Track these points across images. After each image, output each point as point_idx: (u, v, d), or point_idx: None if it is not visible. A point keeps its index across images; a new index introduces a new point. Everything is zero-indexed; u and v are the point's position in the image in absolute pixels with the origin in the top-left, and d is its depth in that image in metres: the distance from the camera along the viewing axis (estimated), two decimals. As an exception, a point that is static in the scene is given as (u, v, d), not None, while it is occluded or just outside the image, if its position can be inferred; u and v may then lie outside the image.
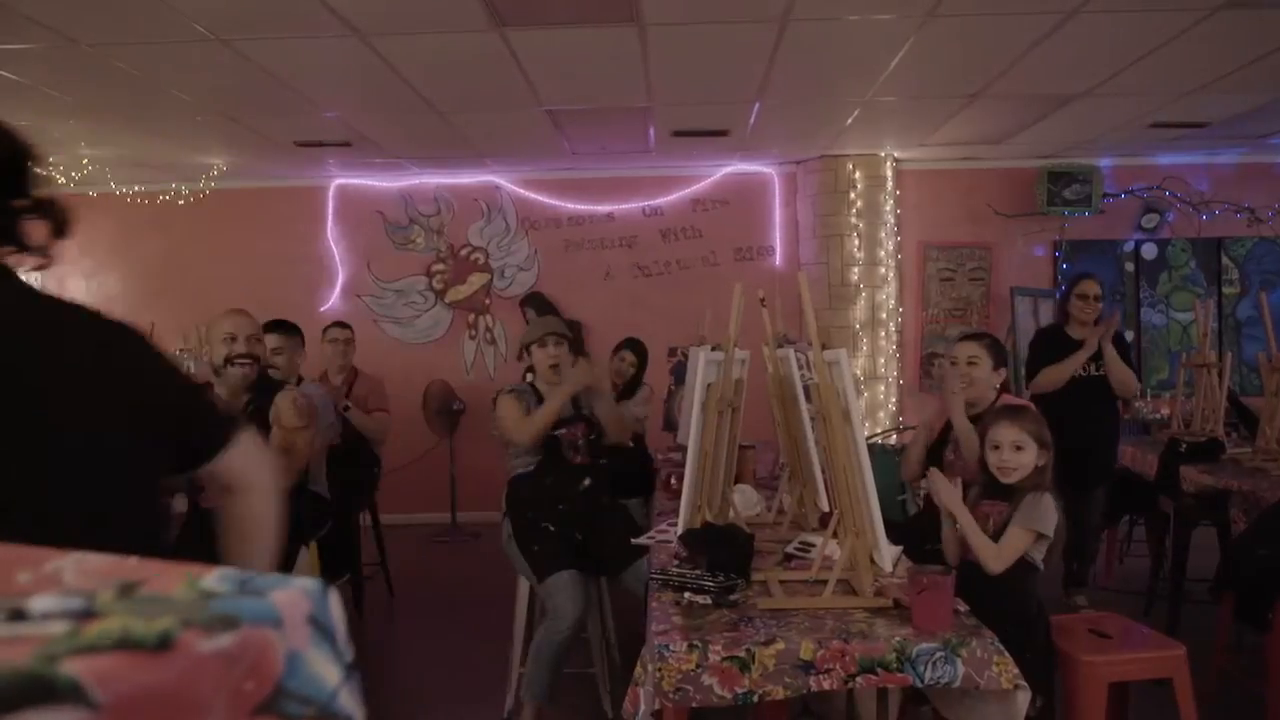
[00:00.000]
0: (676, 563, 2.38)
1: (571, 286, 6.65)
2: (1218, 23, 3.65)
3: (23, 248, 1.14)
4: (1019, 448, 2.36)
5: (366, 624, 4.44)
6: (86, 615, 0.41)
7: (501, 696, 3.35)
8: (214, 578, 0.46)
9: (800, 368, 2.82)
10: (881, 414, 6.39)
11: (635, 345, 4.56)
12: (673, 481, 3.52)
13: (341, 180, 6.71)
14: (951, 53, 4.10)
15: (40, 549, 0.51)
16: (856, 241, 6.30)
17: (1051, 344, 4.15)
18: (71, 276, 6.84)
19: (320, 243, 6.75)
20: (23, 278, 1.17)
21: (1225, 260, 6.60)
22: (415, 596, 4.90)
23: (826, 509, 2.73)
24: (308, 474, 3.16)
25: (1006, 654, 1.88)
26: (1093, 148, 6.21)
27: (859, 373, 6.28)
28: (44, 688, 0.35)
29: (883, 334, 6.38)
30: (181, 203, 6.41)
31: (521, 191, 6.71)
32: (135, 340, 1.22)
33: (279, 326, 3.79)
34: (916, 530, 2.60)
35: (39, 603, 0.42)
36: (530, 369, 3.38)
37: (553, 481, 3.21)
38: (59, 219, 1.15)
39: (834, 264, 6.31)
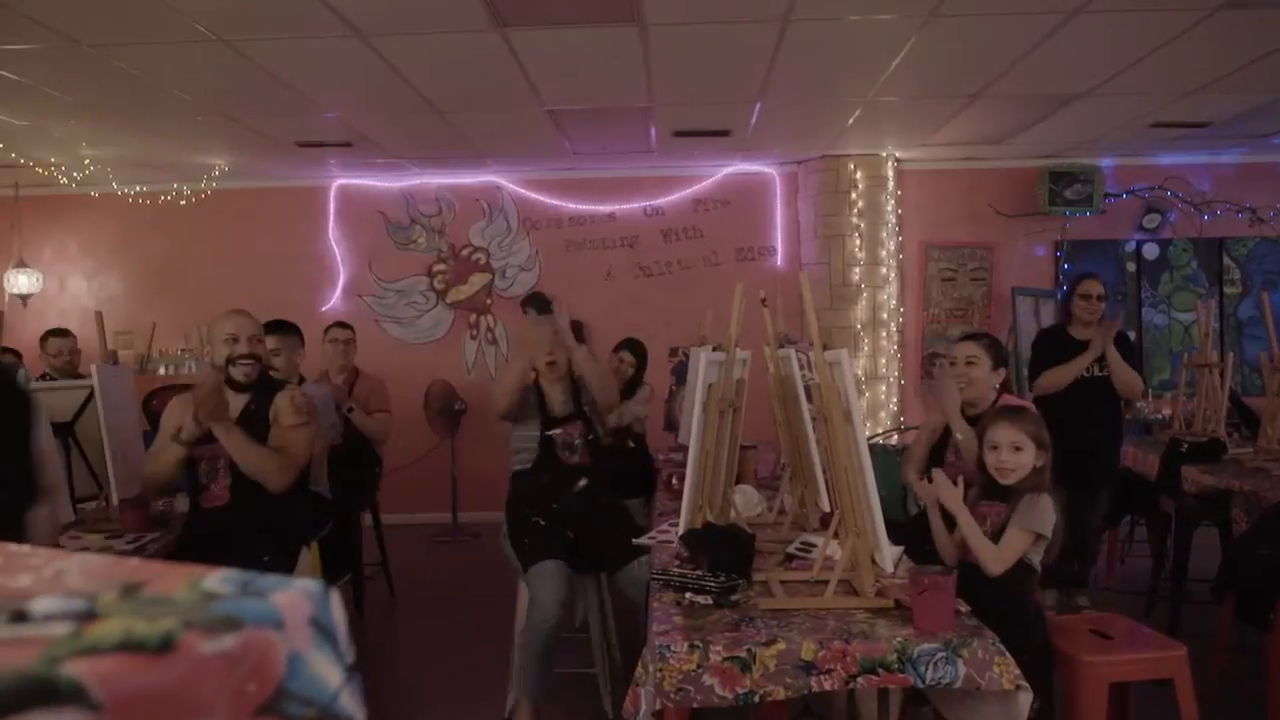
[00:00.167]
0: (678, 563, 2.38)
1: (573, 286, 6.64)
2: (1219, 22, 3.65)
3: None
4: (1017, 448, 2.36)
5: (367, 624, 4.44)
6: (89, 616, 0.41)
7: (502, 696, 3.34)
8: (216, 579, 0.46)
9: (801, 368, 2.82)
10: (883, 414, 6.38)
11: (634, 345, 4.56)
12: (674, 482, 3.53)
13: (343, 180, 6.72)
14: (953, 53, 4.09)
15: (42, 551, 0.51)
16: (858, 241, 6.30)
17: (1054, 345, 4.12)
18: (73, 276, 6.85)
19: (321, 243, 6.75)
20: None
21: (1227, 260, 6.60)
22: (416, 596, 4.90)
23: (828, 509, 2.73)
24: (309, 474, 3.16)
25: (1008, 655, 1.88)
26: (1094, 148, 6.20)
27: (860, 373, 6.28)
28: (47, 689, 0.35)
29: (884, 334, 6.38)
30: (183, 203, 6.42)
31: (523, 191, 6.72)
32: None
33: (277, 327, 3.79)
34: (918, 530, 2.59)
35: (41, 604, 0.42)
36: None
37: (548, 480, 3.22)
38: None
39: (835, 264, 6.31)
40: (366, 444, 4.47)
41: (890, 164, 6.34)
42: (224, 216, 6.67)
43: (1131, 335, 5.74)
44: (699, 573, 2.20)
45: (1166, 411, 5.16)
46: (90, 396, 3.22)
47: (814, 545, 2.53)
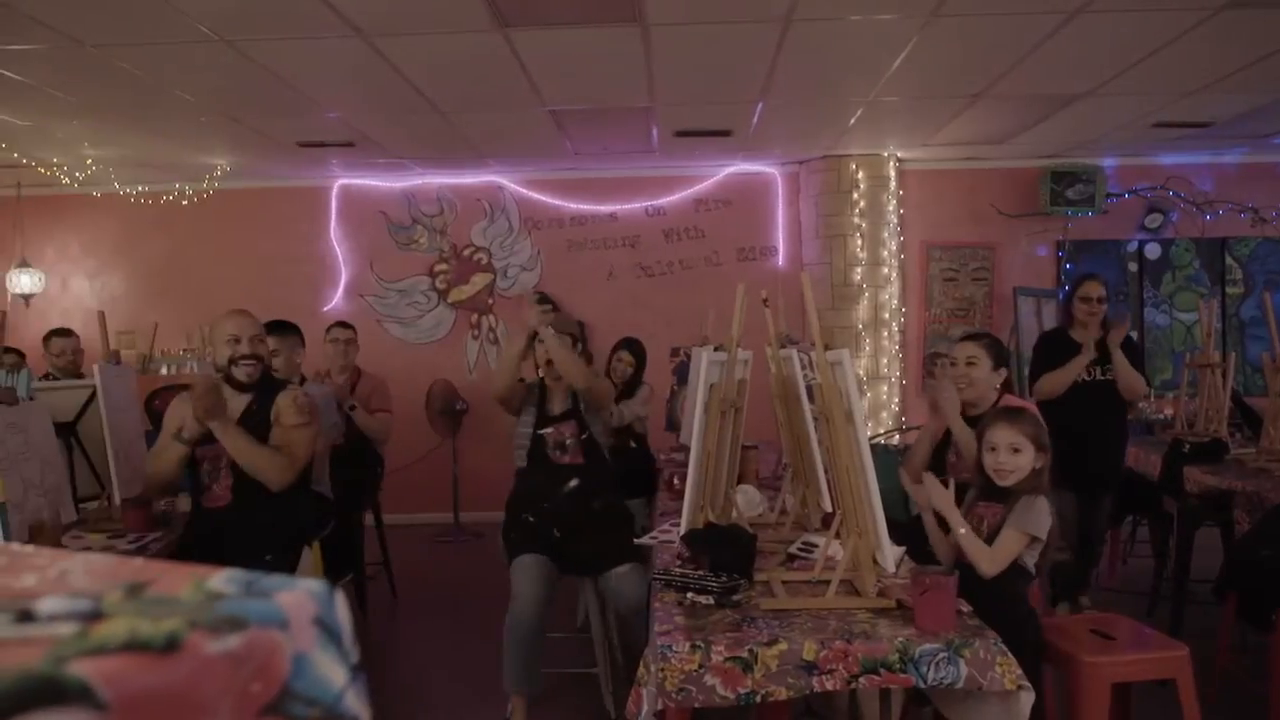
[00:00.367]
0: (679, 563, 2.38)
1: (574, 286, 6.65)
2: (1221, 22, 3.64)
3: None
4: (1016, 450, 2.36)
5: (369, 624, 4.44)
6: (94, 616, 0.41)
7: (504, 696, 3.34)
8: (221, 579, 0.46)
9: (803, 368, 2.82)
10: (884, 414, 6.38)
11: (632, 345, 4.55)
12: (675, 482, 3.52)
13: (344, 180, 6.72)
14: (954, 53, 4.09)
15: (46, 551, 0.51)
16: (859, 241, 6.29)
17: (1054, 348, 4.07)
18: (75, 276, 6.86)
19: (323, 243, 6.76)
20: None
21: (1229, 260, 6.59)
22: (418, 596, 4.91)
23: (829, 509, 2.73)
24: (311, 474, 3.17)
25: (1009, 655, 1.88)
26: (1096, 147, 6.20)
27: (862, 373, 6.27)
28: (53, 689, 0.35)
29: (885, 334, 6.38)
30: (185, 203, 6.42)
31: (524, 191, 6.72)
32: None
33: (276, 327, 3.79)
34: (920, 531, 2.59)
35: (46, 604, 0.42)
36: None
37: (539, 479, 3.23)
38: None
39: (837, 264, 6.31)
40: (368, 444, 4.47)
41: (892, 164, 6.34)
42: (226, 216, 6.68)
43: (1133, 335, 5.74)
44: (701, 573, 2.20)
45: (1169, 412, 5.16)
46: (92, 396, 3.23)
47: (816, 545, 2.53)
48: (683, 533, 2.52)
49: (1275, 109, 5.13)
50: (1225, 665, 3.26)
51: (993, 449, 2.39)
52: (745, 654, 1.87)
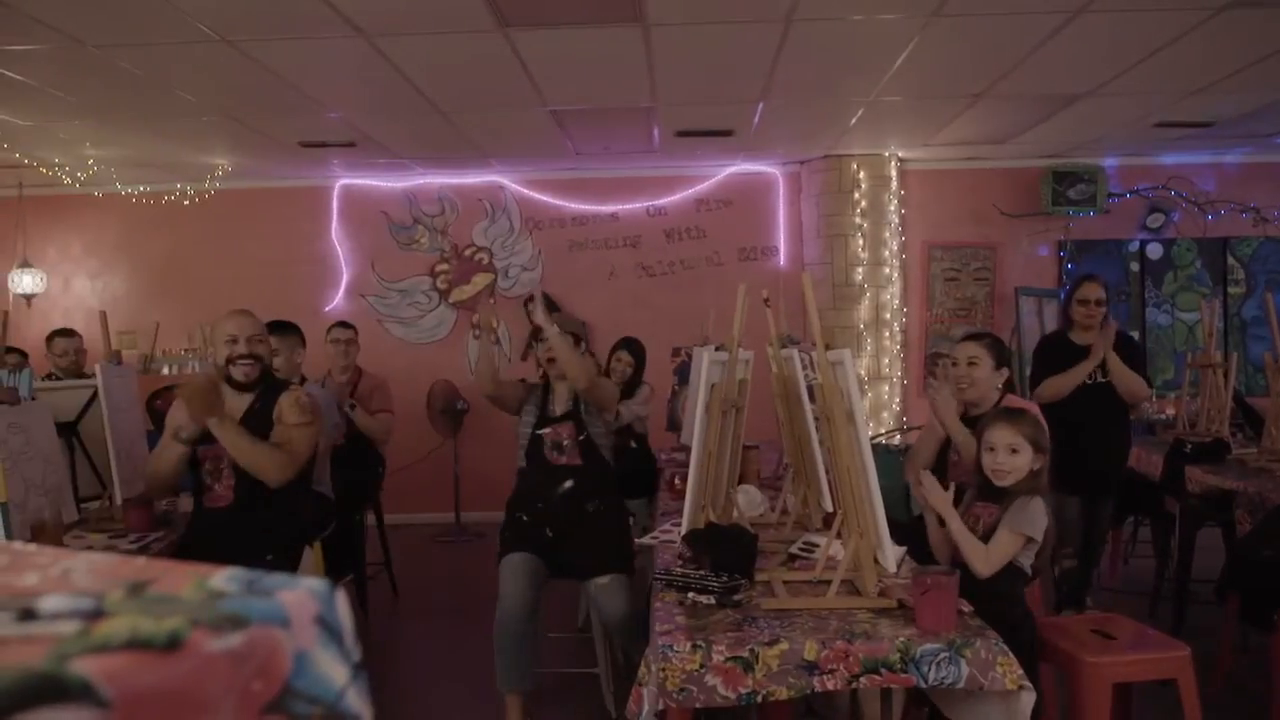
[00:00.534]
0: (681, 563, 2.38)
1: (575, 286, 6.65)
2: (1223, 22, 3.64)
3: None
4: (1014, 451, 2.36)
5: (370, 623, 4.45)
6: (96, 615, 0.41)
7: (503, 696, 3.34)
8: (222, 578, 0.46)
9: (804, 368, 2.82)
10: (885, 414, 6.38)
11: (631, 345, 4.55)
12: (676, 482, 3.52)
13: (346, 180, 6.72)
14: (956, 52, 4.09)
15: (48, 550, 0.51)
16: (861, 241, 6.29)
17: (1055, 352, 3.99)
18: (77, 276, 6.86)
19: (325, 243, 6.76)
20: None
21: (1231, 260, 6.59)
22: (419, 596, 4.91)
23: (830, 509, 2.73)
24: (313, 474, 3.17)
25: (1010, 655, 1.88)
26: (1097, 147, 6.19)
27: (863, 373, 6.27)
28: (56, 686, 0.35)
29: (887, 334, 6.38)
30: (186, 203, 6.43)
31: (525, 191, 6.72)
32: None
33: (277, 327, 3.80)
34: (921, 530, 2.59)
35: (49, 602, 0.42)
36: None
37: (535, 479, 3.23)
38: None
39: (838, 264, 6.31)
40: (369, 444, 4.47)
41: (893, 164, 6.34)
42: (227, 217, 6.68)
43: (1133, 335, 5.73)
44: (702, 572, 2.20)
45: (1170, 412, 5.16)
46: (94, 396, 3.23)
47: (817, 545, 2.53)
48: (684, 532, 2.52)
49: (1277, 109, 5.12)
50: (1227, 665, 3.26)
51: (991, 449, 2.39)
52: (746, 654, 1.87)
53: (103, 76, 4.10)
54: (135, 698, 0.37)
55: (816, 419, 2.68)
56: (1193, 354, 5.41)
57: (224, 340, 2.90)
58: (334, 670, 0.46)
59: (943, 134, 5.70)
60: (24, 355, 4.90)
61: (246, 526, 2.81)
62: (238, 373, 2.89)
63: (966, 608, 2.05)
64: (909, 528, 2.70)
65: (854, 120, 5.31)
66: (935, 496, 2.36)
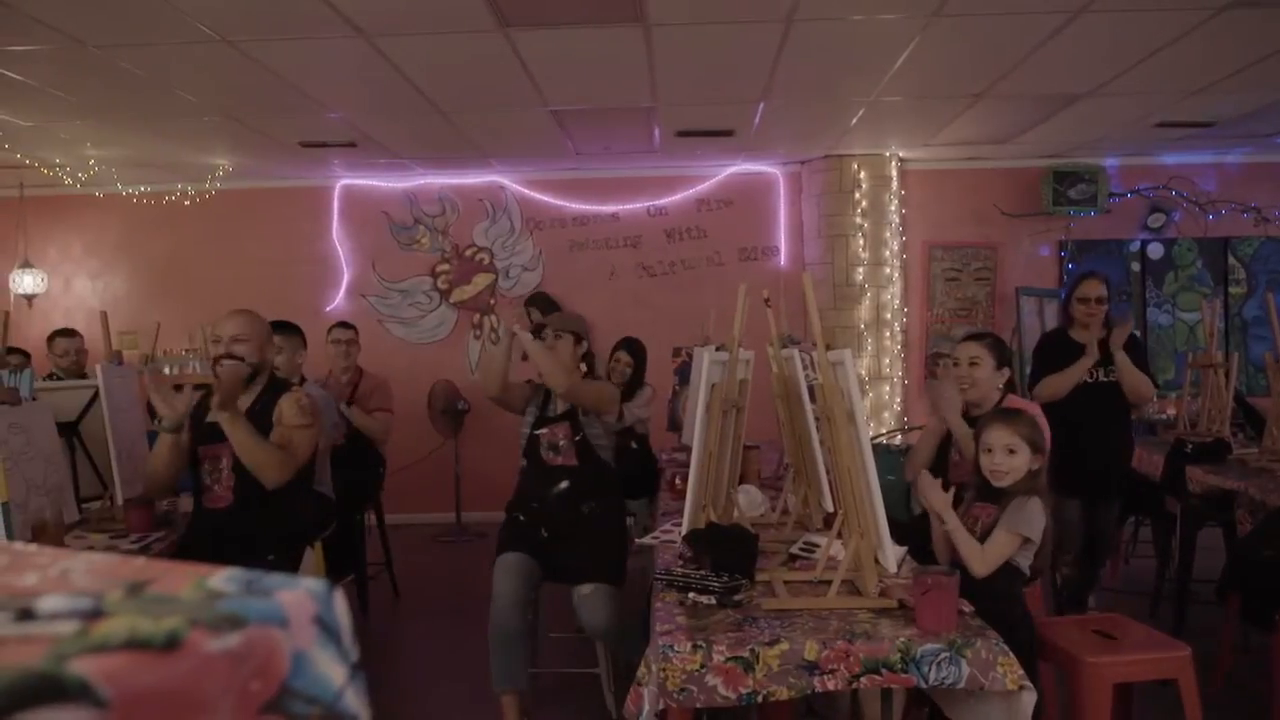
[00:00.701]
0: (681, 563, 2.38)
1: (576, 286, 6.65)
2: (1224, 22, 3.64)
3: None
4: (1011, 451, 2.36)
5: (371, 624, 4.45)
6: (95, 615, 0.41)
7: (506, 696, 3.34)
8: (221, 578, 0.46)
9: (805, 368, 2.82)
10: (886, 414, 6.38)
11: (630, 345, 4.54)
12: (677, 482, 3.52)
13: (347, 181, 6.73)
14: (957, 52, 4.09)
15: (48, 550, 0.52)
16: (861, 241, 6.29)
17: (1054, 350, 3.90)
18: (78, 277, 6.87)
19: (325, 243, 6.77)
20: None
21: (1232, 260, 6.58)
22: (420, 596, 4.91)
23: (831, 509, 2.73)
24: (313, 474, 3.17)
25: (1011, 655, 1.88)
26: (1098, 147, 6.19)
27: (863, 373, 6.27)
28: (54, 686, 0.35)
29: (887, 334, 6.38)
30: (187, 203, 6.43)
31: (526, 192, 6.72)
32: None
33: (278, 327, 3.80)
34: (921, 530, 2.59)
35: (47, 602, 0.42)
36: None
37: (532, 480, 3.23)
38: None
39: (839, 264, 6.31)
40: (370, 444, 4.48)
41: (894, 164, 6.34)
42: (228, 217, 6.69)
43: (1137, 334, 5.70)
44: (702, 572, 2.20)
45: (1171, 412, 5.15)
46: (95, 396, 3.23)
47: (817, 545, 2.53)
48: (684, 532, 2.52)
49: (1277, 108, 5.12)
50: (1228, 666, 3.26)
51: (988, 450, 2.39)
52: (747, 654, 1.87)
53: (103, 77, 4.10)
54: (133, 697, 0.37)
55: (817, 419, 2.68)
56: (1194, 354, 5.41)
57: (213, 340, 2.96)
58: (332, 670, 0.46)
59: (943, 134, 5.70)
60: (26, 356, 4.91)
61: (246, 527, 2.82)
62: (220, 372, 2.92)
63: (967, 608, 2.05)
64: (909, 528, 2.70)
65: (855, 120, 5.31)
66: (934, 496, 2.36)
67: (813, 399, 2.70)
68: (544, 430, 3.20)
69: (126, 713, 0.36)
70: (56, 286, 6.78)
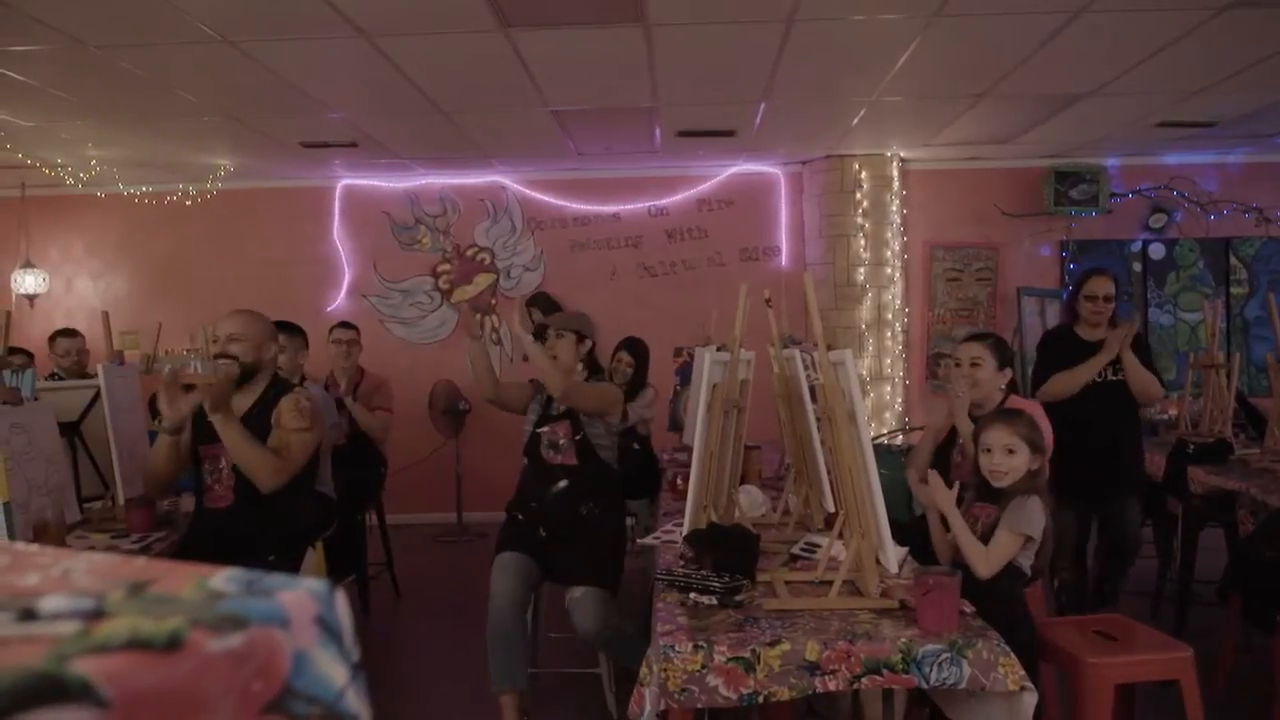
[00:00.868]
0: (682, 563, 2.38)
1: (577, 286, 6.65)
2: (1225, 22, 3.64)
3: None
4: (1010, 451, 2.36)
5: (372, 624, 4.45)
6: (96, 615, 0.41)
7: (507, 696, 3.34)
8: (222, 578, 0.46)
9: (806, 368, 2.82)
10: (887, 414, 6.38)
11: (631, 345, 4.54)
12: (678, 482, 3.52)
13: (348, 181, 6.73)
14: (957, 52, 4.09)
15: (49, 550, 0.52)
16: (862, 241, 6.29)
17: (1061, 347, 3.80)
18: (79, 277, 6.87)
19: (326, 243, 6.77)
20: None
21: (1233, 260, 6.58)
22: (421, 596, 4.91)
23: (832, 510, 2.73)
24: (315, 474, 3.17)
25: (1012, 655, 1.88)
26: (1100, 147, 6.19)
27: (865, 373, 6.27)
28: (56, 686, 0.35)
29: (888, 334, 6.37)
30: (188, 203, 6.44)
31: (527, 192, 6.72)
32: None
33: (280, 328, 3.80)
34: (923, 531, 2.59)
35: (49, 602, 0.42)
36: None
37: (532, 479, 3.23)
38: None
39: (840, 264, 6.30)
40: (371, 444, 4.48)
41: (895, 164, 6.33)
42: (229, 217, 6.69)
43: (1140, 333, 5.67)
44: (704, 573, 2.20)
45: (1173, 412, 5.14)
46: (96, 396, 3.24)
47: (818, 546, 2.53)
48: (686, 533, 2.51)
49: (1279, 109, 5.12)
50: (1229, 666, 3.25)
51: (988, 450, 2.39)
52: (748, 654, 1.87)
53: (104, 77, 4.11)
54: (135, 698, 0.37)
55: (818, 419, 2.68)
56: (1195, 354, 5.40)
57: (212, 340, 2.96)
58: (333, 670, 0.46)
59: (944, 134, 5.70)
60: (29, 356, 4.91)
61: (247, 526, 2.82)
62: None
63: (968, 608, 2.05)
64: (911, 528, 2.70)
65: (856, 120, 5.31)
66: (941, 496, 2.36)
67: (814, 399, 2.70)
68: (545, 428, 3.19)
69: (128, 713, 0.36)
70: (58, 286, 6.79)
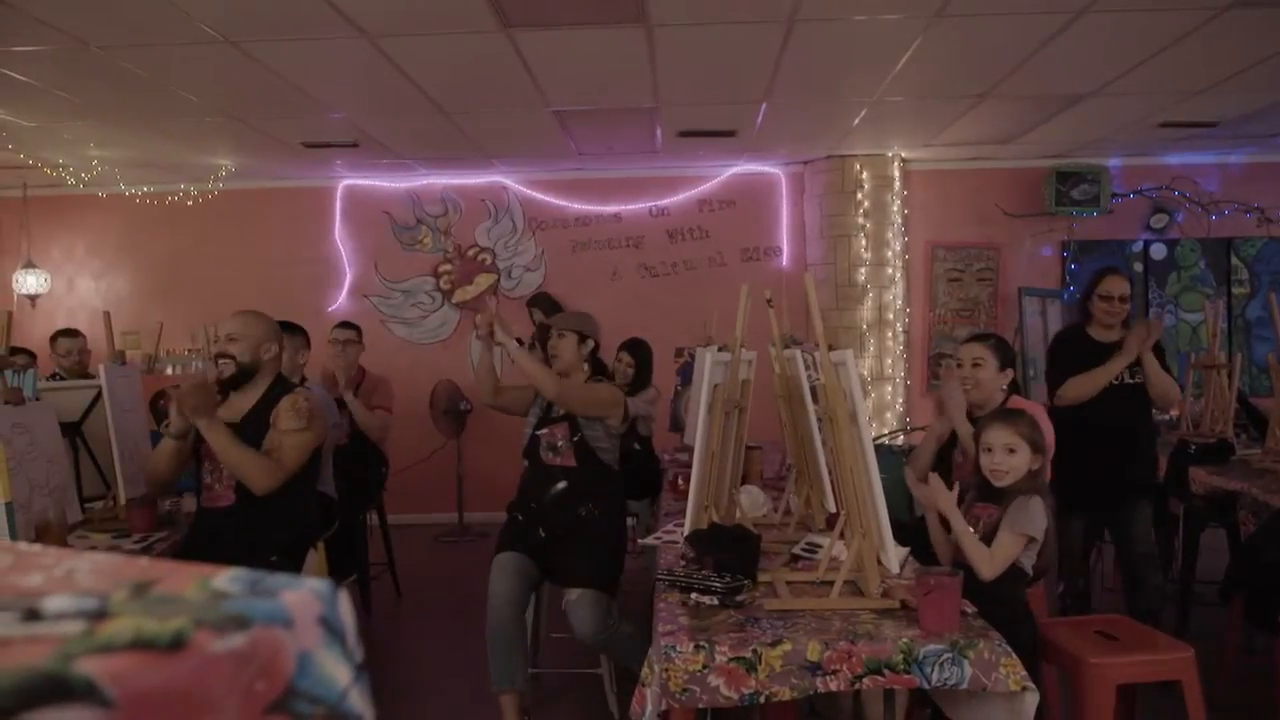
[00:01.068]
0: (683, 563, 2.38)
1: (578, 287, 6.65)
2: (1226, 22, 3.63)
3: None
4: (1011, 451, 2.36)
5: (373, 624, 4.45)
6: (100, 615, 0.41)
7: (508, 696, 3.34)
8: (225, 578, 0.47)
9: (807, 368, 2.82)
10: (889, 415, 6.38)
11: (631, 346, 4.53)
12: (679, 482, 3.52)
13: (349, 181, 6.73)
14: (959, 53, 4.09)
15: (52, 550, 0.52)
16: (863, 242, 6.29)
17: (1075, 350, 3.63)
18: (81, 277, 6.88)
19: (328, 243, 6.77)
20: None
21: (1235, 260, 6.58)
22: (422, 597, 4.91)
23: (833, 510, 2.73)
24: (317, 474, 3.16)
25: (1014, 655, 1.88)
26: (1101, 147, 6.19)
27: (866, 373, 6.27)
28: (60, 686, 0.35)
29: (890, 334, 6.37)
30: (190, 203, 6.44)
31: (528, 192, 6.73)
32: None
33: (281, 327, 3.80)
34: (924, 531, 2.59)
35: (53, 603, 0.42)
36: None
37: (531, 480, 3.23)
38: None
39: (841, 264, 6.30)
40: (372, 444, 4.48)
41: (896, 164, 6.33)
42: (230, 217, 6.69)
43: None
44: (705, 573, 2.20)
45: (1174, 413, 5.14)
46: (98, 396, 3.24)
47: (819, 546, 2.53)
48: (687, 533, 2.51)
49: (1281, 109, 5.12)
50: (1231, 667, 3.25)
51: (988, 450, 2.39)
52: (749, 654, 1.87)
53: (106, 77, 4.11)
54: (139, 698, 0.37)
55: (819, 419, 2.68)
56: (1197, 355, 5.40)
57: (213, 340, 2.96)
58: (337, 671, 0.46)
59: (946, 134, 5.70)
60: (32, 356, 4.91)
61: (248, 527, 2.81)
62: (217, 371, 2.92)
63: (970, 608, 2.05)
64: (912, 528, 2.70)
65: (857, 120, 5.31)
66: (942, 497, 2.35)
67: (815, 399, 2.70)
68: (544, 430, 3.19)
69: (132, 713, 0.36)
70: (59, 287, 6.79)
